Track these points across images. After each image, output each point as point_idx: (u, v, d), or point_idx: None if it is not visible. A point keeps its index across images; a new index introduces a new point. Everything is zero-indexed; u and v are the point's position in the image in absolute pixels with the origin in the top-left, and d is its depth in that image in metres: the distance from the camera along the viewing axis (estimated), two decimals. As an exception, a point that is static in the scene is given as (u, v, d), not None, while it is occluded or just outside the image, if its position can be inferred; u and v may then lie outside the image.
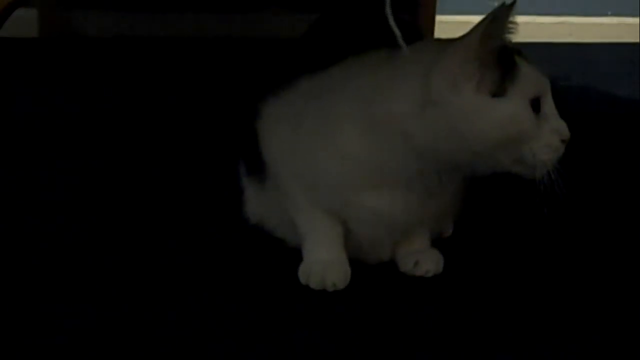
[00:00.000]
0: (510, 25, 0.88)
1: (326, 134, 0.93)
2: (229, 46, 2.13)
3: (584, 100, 1.79)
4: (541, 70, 0.90)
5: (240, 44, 2.11)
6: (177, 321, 0.87)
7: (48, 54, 2.06)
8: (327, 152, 0.92)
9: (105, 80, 1.82)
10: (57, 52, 2.09)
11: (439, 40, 0.93)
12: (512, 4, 0.87)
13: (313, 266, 0.96)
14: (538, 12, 2.39)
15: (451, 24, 2.04)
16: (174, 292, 0.93)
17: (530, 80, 0.87)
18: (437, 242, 1.03)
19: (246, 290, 0.95)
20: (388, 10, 0.94)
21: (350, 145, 0.91)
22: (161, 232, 1.09)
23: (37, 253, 1.01)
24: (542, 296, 0.97)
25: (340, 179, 0.93)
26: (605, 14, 2.49)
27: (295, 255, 0.98)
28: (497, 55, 0.86)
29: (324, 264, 0.95)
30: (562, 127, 0.88)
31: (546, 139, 0.87)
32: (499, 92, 0.85)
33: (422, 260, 0.99)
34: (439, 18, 2.20)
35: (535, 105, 0.87)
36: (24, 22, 2.08)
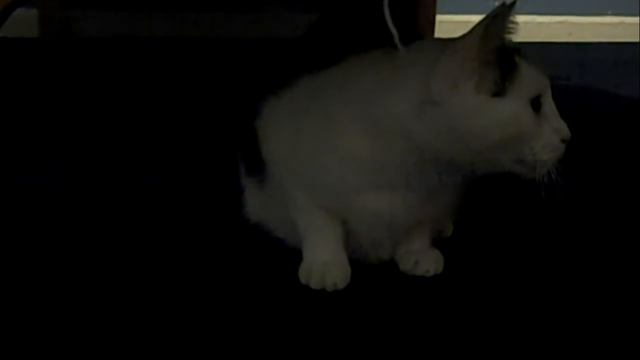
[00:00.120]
0: (510, 25, 0.89)
1: (326, 134, 0.93)
2: (229, 46, 2.12)
3: (583, 100, 1.78)
4: (541, 69, 0.90)
5: (241, 44, 2.11)
6: (176, 321, 0.87)
7: (48, 55, 2.06)
8: (327, 152, 0.92)
9: (105, 80, 1.82)
10: (57, 52, 2.09)
11: (439, 39, 0.93)
12: (512, 4, 0.88)
13: (313, 266, 0.96)
14: (537, 11, 2.39)
15: (451, 24, 2.04)
16: (173, 292, 0.93)
17: (530, 79, 0.87)
18: (437, 242, 1.03)
19: (246, 290, 0.95)
20: (385, 10, 0.94)
21: (351, 145, 0.91)
22: (161, 232, 1.09)
23: (37, 253, 1.01)
24: (542, 296, 0.97)
25: (340, 179, 0.93)
26: (605, 14, 2.49)
27: (295, 255, 0.98)
28: (496, 55, 0.86)
29: (324, 264, 0.95)
30: (562, 126, 0.88)
31: (546, 139, 0.87)
32: (498, 91, 0.85)
33: (422, 259, 0.99)
34: (439, 18, 2.20)
35: (535, 104, 0.87)
36: (23, 22, 2.07)
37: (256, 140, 1.01)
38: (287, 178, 0.97)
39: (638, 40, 2.36)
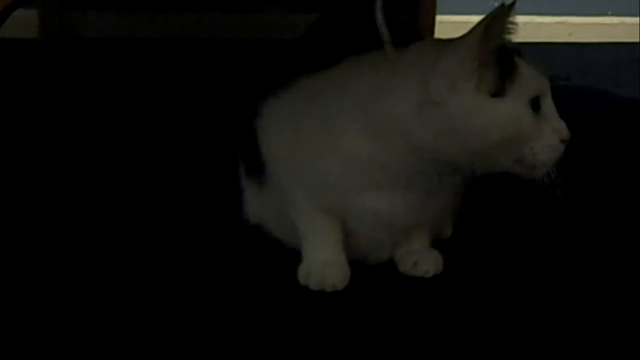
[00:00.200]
0: (510, 26, 0.89)
1: (326, 134, 0.93)
2: (229, 47, 2.12)
3: (583, 100, 1.78)
4: (540, 70, 0.90)
5: (241, 45, 2.11)
6: (175, 321, 0.87)
7: (48, 55, 2.06)
8: (327, 152, 0.92)
9: (105, 80, 1.82)
10: (57, 53, 2.09)
11: (439, 40, 0.93)
12: (512, 5, 0.88)
13: (312, 267, 0.96)
14: (538, 12, 2.38)
15: (451, 24, 2.04)
16: (172, 293, 0.93)
17: (530, 80, 0.87)
18: (437, 242, 1.03)
19: (245, 291, 0.95)
20: (378, 11, 0.94)
21: (351, 145, 0.91)
22: (160, 232, 1.09)
23: (36, 254, 1.01)
24: (541, 296, 0.97)
25: (340, 179, 0.93)
26: (605, 14, 2.49)
27: (294, 255, 0.98)
28: (496, 55, 0.86)
29: (323, 264, 0.95)
30: (561, 127, 0.88)
31: (545, 139, 0.87)
32: (498, 92, 0.85)
33: (422, 260, 0.99)
34: (439, 18, 2.20)
35: (535, 105, 0.87)
36: (23, 23, 2.07)
37: (256, 140, 1.01)
38: (287, 178, 0.97)
39: (638, 40, 2.36)
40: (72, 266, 0.98)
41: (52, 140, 1.42)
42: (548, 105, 0.88)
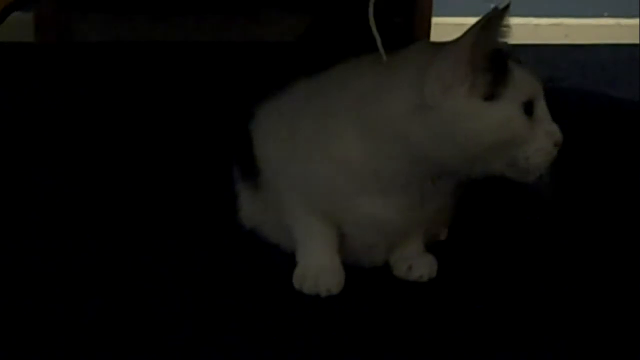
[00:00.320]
0: (504, 29, 0.89)
1: (321, 138, 0.93)
2: (227, 49, 2.12)
3: (579, 102, 1.78)
4: (534, 73, 0.90)
5: (238, 48, 2.11)
6: (170, 327, 0.87)
7: (44, 59, 2.06)
8: (323, 156, 0.92)
9: (102, 83, 1.82)
10: (54, 56, 2.09)
11: (433, 43, 0.93)
12: (506, 8, 0.87)
13: (307, 271, 0.96)
14: (534, 14, 2.38)
15: (447, 26, 2.04)
16: (166, 298, 0.93)
17: (523, 83, 0.87)
18: (432, 246, 1.03)
19: (240, 295, 0.95)
20: (370, 14, 0.94)
21: (346, 149, 0.91)
22: (155, 236, 1.08)
23: (32, 257, 1.01)
24: (537, 300, 0.97)
25: (334, 183, 0.93)
26: (601, 15, 2.49)
27: (290, 260, 0.98)
28: (489, 59, 0.86)
29: (318, 269, 0.95)
30: (554, 130, 0.88)
31: (539, 143, 0.87)
32: (491, 95, 0.85)
33: (416, 264, 0.99)
34: (435, 20, 2.20)
35: (528, 108, 0.87)
36: (20, 26, 2.07)
37: (251, 144, 1.01)
38: (282, 182, 0.97)
39: (634, 42, 2.36)
40: (62, 271, 0.98)
41: (48, 143, 1.41)
42: (541, 109, 0.88)
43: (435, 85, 0.86)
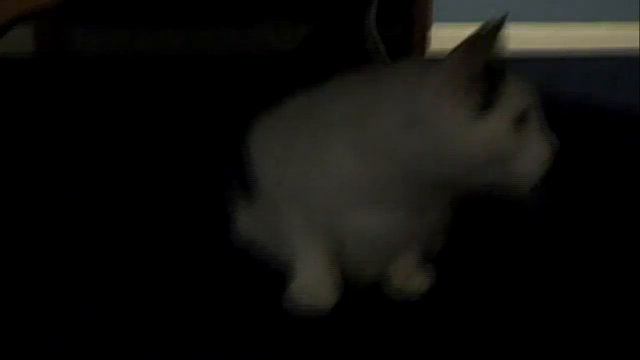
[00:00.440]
0: (498, 41, 0.88)
1: (316, 153, 0.93)
2: (224, 62, 2.12)
3: (575, 110, 1.78)
4: (528, 84, 0.89)
5: (235, 60, 2.12)
6: (158, 343, 0.87)
7: (43, 72, 2.06)
8: (318, 171, 0.92)
9: (97, 96, 1.82)
10: (53, 69, 2.09)
11: (425, 58, 0.93)
12: (501, 22, 0.87)
13: (301, 288, 0.95)
14: (529, 21, 2.38)
15: (447, 35, 2.04)
16: (155, 311, 0.93)
17: (517, 95, 0.87)
18: (428, 259, 1.02)
19: (233, 311, 0.94)
20: (371, 25, 0.94)
21: (340, 163, 0.91)
22: (148, 250, 1.08)
23: (23, 269, 1.01)
24: (535, 314, 0.96)
25: (330, 198, 0.92)
26: (598, 23, 2.49)
27: (284, 275, 0.97)
28: (482, 72, 0.86)
29: (311, 285, 0.95)
30: (549, 142, 0.88)
31: (532, 154, 0.87)
32: (483, 109, 0.85)
33: (412, 278, 0.99)
34: (435, 28, 2.20)
35: (522, 120, 0.86)
36: (19, 39, 2.08)
37: (247, 158, 1.00)
38: (277, 197, 0.97)
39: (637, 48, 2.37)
40: (44, 293, 0.98)
41: (46, 157, 1.41)
42: (535, 120, 0.88)
43: (426, 100, 0.85)
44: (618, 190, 1.36)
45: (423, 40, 2.16)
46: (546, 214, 1.18)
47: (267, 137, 0.99)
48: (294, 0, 2.14)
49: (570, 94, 1.91)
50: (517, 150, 0.86)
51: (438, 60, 0.87)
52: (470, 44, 0.84)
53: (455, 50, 0.86)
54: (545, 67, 2.20)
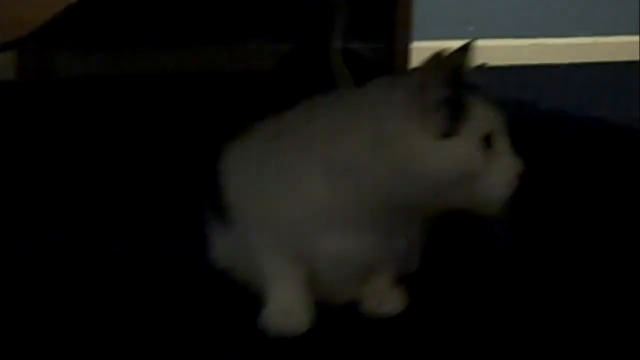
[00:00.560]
0: (465, 64, 0.89)
1: (288, 177, 0.93)
2: (204, 81, 2.12)
3: (556, 122, 1.78)
4: (494, 106, 0.90)
5: (216, 78, 2.11)
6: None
7: (26, 97, 2.06)
8: (290, 195, 0.93)
9: (81, 119, 1.82)
10: (35, 94, 2.09)
11: (394, 78, 0.92)
12: (466, 46, 0.88)
13: (275, 312, 0.96)
14: (508, 35, 2.39)
15: (429, 50, 2.05)
16: (137, 338, 0.93)
17: (482, 117, 0.87)
18: (403, 279, 1.02)
19: (210, 335, 0.95)
20: (334, 52, 0.95)
21: (312, 187, 0.92)
22: (124, 275, 1.08)
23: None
24: (509, 331, 0.97)
25: (303, 222, 0.93)
26: (576, 35, 2.50)
27: (260, 300, 0.98)
28: (447, 95, 0.86)
29: (286, 309, 0.95)
30: (514, 163, 0.89)
31: (498, 176, 0.87)
32: (448, 131, 0.86)
33: (386, 299, 0.99)
34: (416, 44, 2.21)
35: (487, 142, 0.87)
36: (1, 66, 2.08)
37: (220, 184, 1.01)
38: (251, 222, 0.97)
39: (612, 60, 2.38)
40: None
41: (29, 181, 1.41)
42: (501, 141, 0.89)
43: (391, 122, 0.86)
44: (598, 199, 1.36)
45: (405, 57, 2.16)
46: (520, 228, 1.19)
47: (239, 162, 1.00)
48: (274, 20, 2.15)
49: (550, 104, 1.91)
50: (484, 171, 0.86)
51: (401, 84, 0.87)
52: (431, 68, 0.85)
53: (417, 74, 0.86)
54: (527, 79, 2.21)
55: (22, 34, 1.36)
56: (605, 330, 0.97)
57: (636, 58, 2.46)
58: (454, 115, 0.86)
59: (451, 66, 0.86)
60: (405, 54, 2.15)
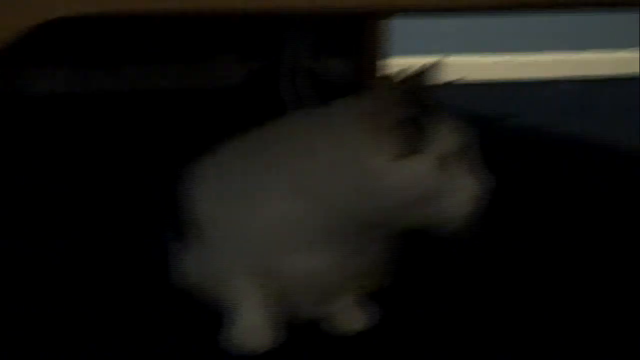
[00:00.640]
0: (430, 81, 0.89)
1: (253, 196, 0.93)
2: (171, 97, 2.10)
3: (528, 138, 1.79)
4: (460, 125, 0.89)
5: (182, 95, 2.09)
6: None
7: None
8: (255, 214, 0.92)
9: (49, 135, 1.81)
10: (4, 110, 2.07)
11: (355, 97, 0.92)
12: (430, 67, 0.88)
13: (237, 331, 0.95)
14: (482, 51, 2.40)
15: (400, 66, 2.05)
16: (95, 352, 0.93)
17: (444, 137, 0.87)
18: (372, 295, 1.01)
19: (172, 354, 0.94)
20: (281, 81, 0.94)
21: (277, 206, 0.91)
22: (84, 296, 1.07)
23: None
24: (480, 347, 0.96)
25: (268, 240, 0.92)
26: (551, 50, 2.52)
27: (221, 318, 0.97)
28: (403, 115, 0.85)
29: (249, 328, 0.95)
30: (477, 182, 0.88)
31: (458, 196, 0.87)
32: (406, 152, 0.85)
33: (353, 316, 0.99)
34: (388, 60, 2.21)
35: (452, 160, 0.87)
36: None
37: (183, 203, 1.00)
38: (216, 240, 0.97)
39: (582, 76, 2.40)
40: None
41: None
42: (467, 160, 0.88)
43: (352, 141, 0.86)
44: (566, 214, 1.37)
45: (376, 72, 2.16)
46: (488, 242, 1.19)
47: (205, 180, 0.99)
48: (241, 38, 2.14)
49: (520, 119, 1.92)
50: (446, 190, 0.86)
51: (362, 104, 0.87)
52: (391, 88, 0.85)
53: (373, 94, 0.86)
54: (498, 94, 2.22)
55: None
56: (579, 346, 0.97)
57: (607, 73, 2.49)
58: (412, 136, 0.85)
59: (409, 86, 0.86)
60: (376, 69, 2.16)
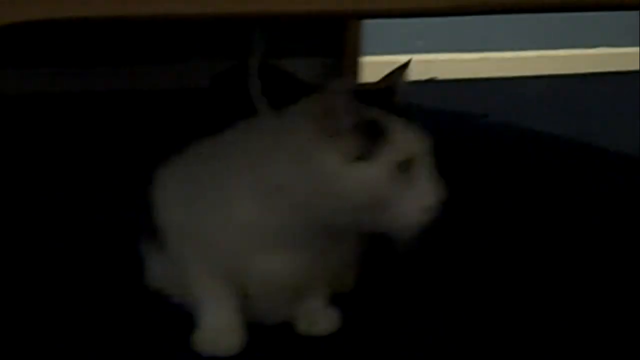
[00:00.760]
0: (395, 87, 0.89)
1: (218, 200, 0.93)
2: (141, 98, 2.09)
3: (504, 137, 1.79)
4: (419, 131, 0.88)
5: (151, 97, 2.08)
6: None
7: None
8: (220, 218, 0.93)
9: (18, 136, 1.80)
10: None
11: (312, 99, 0.91)
12: (393, 72, 0.87)
13: (206, 333, 0.96)
14: (463, 49, 2.41)
15: (379, 65, 2.05)
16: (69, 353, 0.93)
17: (402, 142, 0.87)
18: (338, 296, 1.02)
19: (144, 355, 0.95)
20: (253, 81, 0.94)
21: (241, 210, 0.92)
22: (58, 299, 1.07)
23: None
24: (445, 349, 0.97)
25: (232, 243, 0.93)
26: (530, 48, 2.52)
27: (193, 321, 0.97)
28: (355, 119, 0.85)
29: (217, 330, 0.96)
30: (433, 190, 0.88)
31: (411, 203, 0.87)
32: (361, 155, 0.85)
33: (319, 319, 1.00)
34: (367, 59, 2.21)
35: (404, 168, 0.86)
36: None
37: (151, 207, 1.00)
38: (181, 244, 0.97)
39: (560, 73, 2.41)
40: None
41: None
42: (421, 167, 0.88)
43: (308, 144, 0.86)
44: (538, 212, 1.37)
45: (355, 71, 2.17)
46: (467, 243, 1.19)
47: (170, 184, 1.00)
48: (210, 39, 2.13)
49: (497, 117, 1.92)
50: (396, 197, 0.86)
51: (318, 106, 0.86)
52: (336, 92, 0.84)
53: (322, 98, 0.85)
54: (476, 92, 2.22)
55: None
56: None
57: (587, 70, 2.49)
58: (368, 139, 0.85)
59: (358, 90, 0.86)
60: (354, 69, 2.16)
